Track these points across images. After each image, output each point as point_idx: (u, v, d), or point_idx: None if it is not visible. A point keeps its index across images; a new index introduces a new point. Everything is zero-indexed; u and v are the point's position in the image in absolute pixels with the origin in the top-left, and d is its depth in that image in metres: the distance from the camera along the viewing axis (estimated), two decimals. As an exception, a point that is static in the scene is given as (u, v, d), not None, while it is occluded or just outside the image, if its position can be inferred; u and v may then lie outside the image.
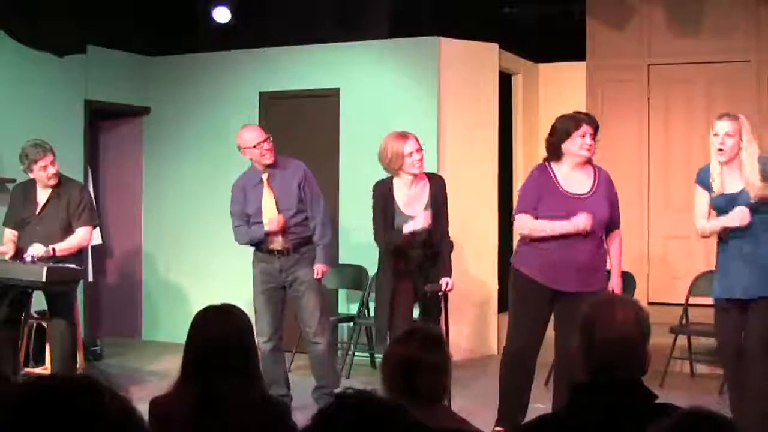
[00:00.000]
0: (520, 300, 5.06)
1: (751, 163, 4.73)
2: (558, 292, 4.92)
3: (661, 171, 8.32)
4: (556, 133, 4.94)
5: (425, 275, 5.50)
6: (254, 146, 5.64)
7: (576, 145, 4.88)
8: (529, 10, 8.25)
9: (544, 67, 8.92)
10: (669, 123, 8.34)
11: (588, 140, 4.88)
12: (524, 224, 4.99)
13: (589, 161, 4.99)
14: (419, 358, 2.62)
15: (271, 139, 5.70)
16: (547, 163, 5.00)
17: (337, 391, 5.78)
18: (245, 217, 5.79)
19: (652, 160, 8.39)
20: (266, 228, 5.67)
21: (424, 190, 5.51)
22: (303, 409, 5.75)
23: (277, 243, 5.73)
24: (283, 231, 5.69)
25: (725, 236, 4.83)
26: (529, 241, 5.01)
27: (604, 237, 5.06)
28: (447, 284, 5.48)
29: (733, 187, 4.79)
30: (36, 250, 5.66)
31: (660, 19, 8.21)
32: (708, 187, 4.86)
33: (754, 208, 4.73)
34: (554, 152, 4.95)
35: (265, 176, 5.71)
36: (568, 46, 8.51)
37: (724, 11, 8.01)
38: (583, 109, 8.47)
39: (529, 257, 5.01)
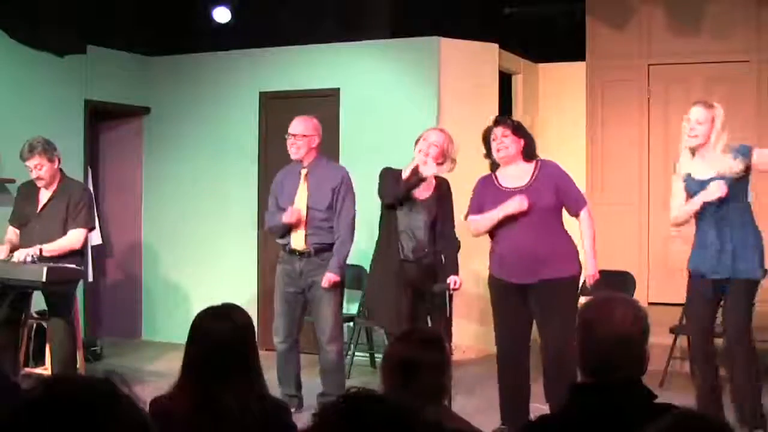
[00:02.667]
0: (494, 301, 5.24)
1: (722, 155, 4.86)
2: (523, 285, 5.02)
3: (661, 171, 8.30)
4: (485, 145, 5.28)
5: (426, 275, 5.52)
6: (287, 134, 5.78)
7: (494, 149, 5.18)
8: (529, 10, 8.25)
9: (544, 67, 8.91)
10: (669, 123, 8.33)
11: (499, 141, 5.16)
12: (474, 224, 5.24)
13: (528, 156, 5.17)
14: (419, 358, 2.62)
15: (299, 137, 5.71)
16: (493, 173, 5.29)
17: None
18: (276, 208, 5.82)
19: (652, 160, 8.38)
20: (284, 218, 5.66)
21: (430, 183, 5.60)
22: (310, 410, 5.74)
23: (299, 243, 5.71)
24: (306, 231, 5.68)
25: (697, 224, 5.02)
26: (490, 243, 5.23)
27: (559, 224, 5.14)
28: (455, 282, 5.49)
29: (702, 174, 4.93)
30: (21, 254, 5.66)
31: (660, 19, 8.21)
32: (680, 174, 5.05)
33: (727, 196, 4.85)
34: (492, 163, 5.29)
35: (304, 171, 5.76)
36: (568, 46, 8.51)
37: (724, 11, 8.01)
38: (583, 109, 8.54)
39: (492, 257, 5.23)
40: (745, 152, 4.86)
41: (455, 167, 5.63)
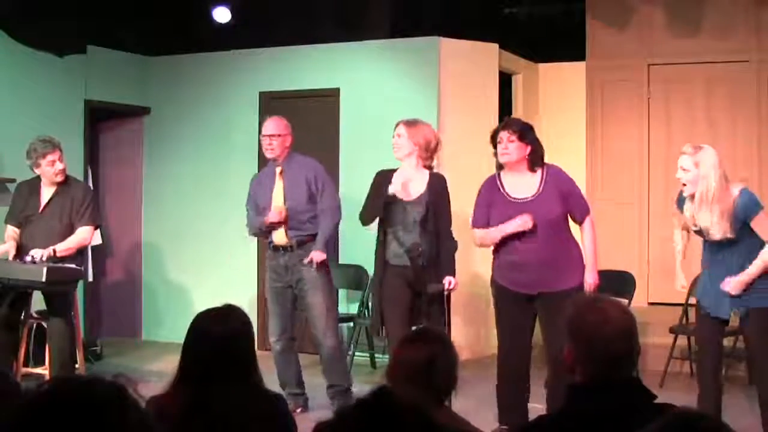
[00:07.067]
0: (497, 308, 5.23)
1: (714, 203, 4.65)
2: (530, 295, 5.02)
3: (661, 171, 8.30)
4: (493, 145, 5.18)
5: (422, 275, 5.50)
6: (261, 136, 5.91)
7: (499, 152, 5.09)
8: (529, 10, 8.25)
9: (544, 67, 8.91)
10: (669, 123, 8.33)
11: (503, 145, 5.05)
12: (479, 239, 5.22)
13: (535, 164, 5.06)
14: (434, 360, 2.62)
15: (275, 137, 5.79)
16: (497, 174, 5.19)
17: (353, 389, 5.73)
18: (257, 209, 5.90)
19: (652, 160, 8.37)
20: (268, 219, 5.74)
21: (423, 179, 5.53)
22: (318, 410, 5.73)
23: (280, 238, 5.78)
24: (286, 226, 5.74)
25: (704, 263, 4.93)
26: (494, 249, 5.19)
27: (566, 232, 5.11)
28: (450, 283, 5.46)
29: (701, 221, 4.77)
30: (36, 253, 5.66)
31: (660, 19, 8.20)
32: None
33: (727, 241, 4.70)
34: (497, 163, 5.18)
35: (278, 169, 5.86)
36: (568, 46, 8.51)
37: (724, 11, 8.00)
38: (583, 109, 8.54)
39: (497, 265, 5.19)
40: (744, 217, 4.64)
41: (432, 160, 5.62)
